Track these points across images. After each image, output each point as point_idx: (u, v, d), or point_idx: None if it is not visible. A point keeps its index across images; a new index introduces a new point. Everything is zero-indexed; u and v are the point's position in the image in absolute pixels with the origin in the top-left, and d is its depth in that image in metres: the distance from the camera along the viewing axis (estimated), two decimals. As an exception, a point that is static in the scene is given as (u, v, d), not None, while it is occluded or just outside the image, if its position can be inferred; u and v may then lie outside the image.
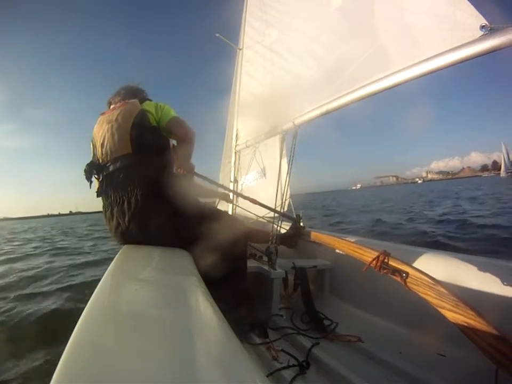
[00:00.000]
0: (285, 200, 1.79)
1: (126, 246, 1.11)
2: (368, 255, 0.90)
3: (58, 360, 0.33)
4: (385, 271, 0.84)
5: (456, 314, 0.67)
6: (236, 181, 2.74)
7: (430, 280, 0.74)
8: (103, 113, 1.25)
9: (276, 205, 1.73)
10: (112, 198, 1.09)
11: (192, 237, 1.08)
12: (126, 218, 1.06)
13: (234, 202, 2.31)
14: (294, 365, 0.99)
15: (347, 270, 1.57)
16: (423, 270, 0.82)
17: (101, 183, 1.16)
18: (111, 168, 1.11)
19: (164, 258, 0.95)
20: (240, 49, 2.81)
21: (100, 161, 1.15)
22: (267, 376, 0.94)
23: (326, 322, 1.33)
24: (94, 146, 1.19)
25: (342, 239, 1.15)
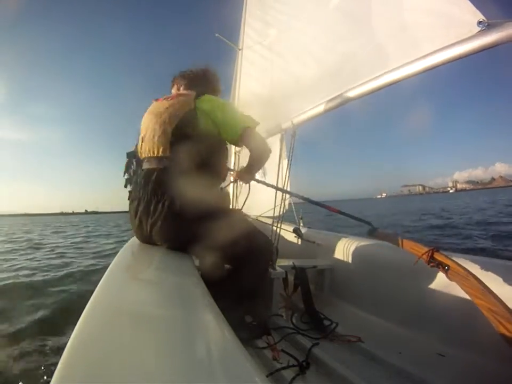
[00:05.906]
0: (285, 199, 1.79)
1: (129, 243, 1.12)
2: (419, 250, 0.99)
3: (59, 360, 0.33)
4: (431, 264, 0.94)
5: (482, 302, 0.77)
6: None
7: (465, 272, 0.84)
8: (156, 100, 1.19)
9: (275, 204, 1.73)
10: (141, 195, 1.04)
11: (208, 244, 0.99)
12: (149, 221, 1.01)
13: (235, 202, 2.30)
14: (294, 365, 0.99)
15: (347, 270, 1.56)
16: None
17: (134, 176, 1.13)
18: (145, 165, 1.06)
19: (164, 258, 0.96)
20: (240, 49, 2.81)
21: (139, 154, 1.12)
22: (267, 376, 0.93)
23: (326, 322, 1.32)
24: (139, 136, 1.14)
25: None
